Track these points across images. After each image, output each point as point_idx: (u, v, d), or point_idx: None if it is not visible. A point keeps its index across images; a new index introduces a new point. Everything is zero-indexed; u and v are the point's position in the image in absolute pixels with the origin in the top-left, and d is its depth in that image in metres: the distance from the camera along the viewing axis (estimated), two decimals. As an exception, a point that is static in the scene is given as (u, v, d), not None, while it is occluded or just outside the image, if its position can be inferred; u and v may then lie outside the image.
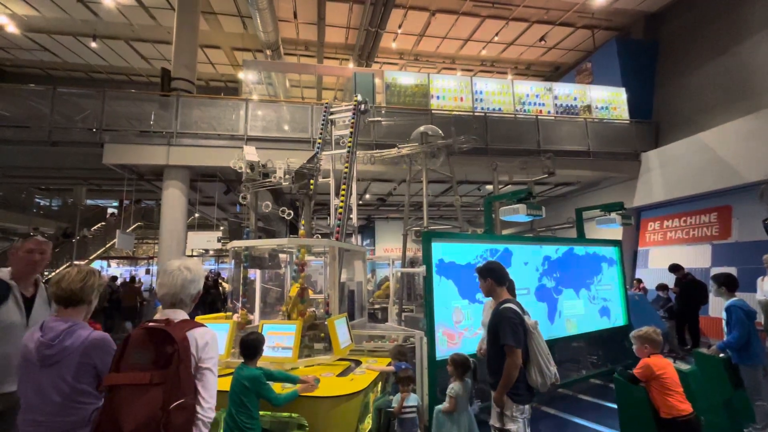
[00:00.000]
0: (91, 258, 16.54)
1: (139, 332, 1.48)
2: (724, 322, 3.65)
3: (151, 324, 1.47)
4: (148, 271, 18.73)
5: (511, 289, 3.32)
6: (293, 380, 2.73)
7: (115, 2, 11.05)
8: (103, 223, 18.06)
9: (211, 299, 12.03)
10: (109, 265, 22.60)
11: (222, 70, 15.31)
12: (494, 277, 2.78)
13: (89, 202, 17.80)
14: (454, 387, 3.15)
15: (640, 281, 9.15)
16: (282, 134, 8.81)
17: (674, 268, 7.61)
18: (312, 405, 2.62)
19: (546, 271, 5.12)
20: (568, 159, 9.94)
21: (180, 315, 1.60)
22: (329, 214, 5.96)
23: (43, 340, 1.61)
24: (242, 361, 2.53)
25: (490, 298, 3.22)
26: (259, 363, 3.02)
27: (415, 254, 9.03)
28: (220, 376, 2.51)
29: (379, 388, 3.61)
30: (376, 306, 9.05)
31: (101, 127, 7.96)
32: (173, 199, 8.22)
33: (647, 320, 6.40)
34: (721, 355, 3.64)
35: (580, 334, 5.33)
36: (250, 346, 2.50)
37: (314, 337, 3.82)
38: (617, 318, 5.89)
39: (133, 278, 12.26)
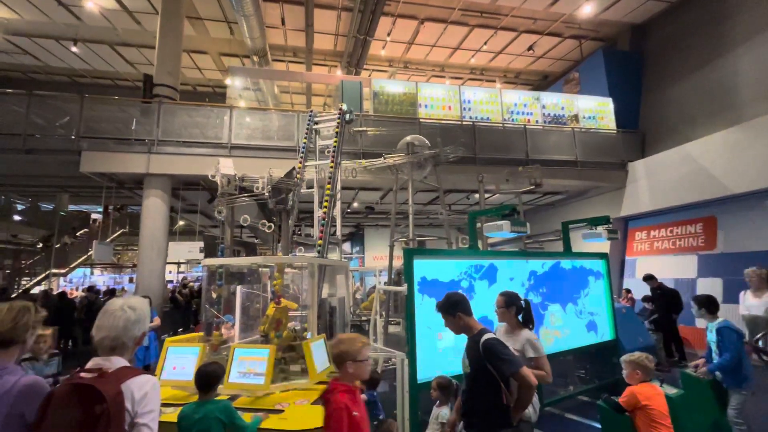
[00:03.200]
0: (72, 266, 16.10)
1: (63, 389, 1.30)
2: (713, 344, 3.56)
3: (78, 379, 1.30)
4: (131, 280, 18.29)
5: (528, 317, 2.93)
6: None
7: (99, 6, 10.81)
8: (86, 230, 17.63)
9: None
10: (92, 273, 22.07)
11: (209, 75, 15.09)
12: (462, 309, 2.47)
13: (73, 207, 17.34)
14: (444, 414, 3.05)
15: (629, 291, 9.12)
16: (267, 142, 8.63)
17: (648, 278, 7.56)
18: (280, 440, 2.46)
19: (532, 287, 5.02)
20: (556, 168, 9.93)
21: (117, 362, 1.43)
22: (313, 225, 5.81)
23: None
24: (197, 398, 2.33)
25: (504, 323, 2.96)
26: (229, 390, 2.85)
27: (402, 264, 8.89)
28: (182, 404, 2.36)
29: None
30: (364, 318, 8.88)
31: (79, 134, 7.70)
32: (154, 208, 7.99)
33: (635, 333, 6.34)
34: (710, 376, 3.57)
35: (567, 349, 5.23)
36: (208, 377, 2.31)
37: (291, 359, 3.65)
38: (604, 332, 5.80)
39: (113, 290, 11.90)
